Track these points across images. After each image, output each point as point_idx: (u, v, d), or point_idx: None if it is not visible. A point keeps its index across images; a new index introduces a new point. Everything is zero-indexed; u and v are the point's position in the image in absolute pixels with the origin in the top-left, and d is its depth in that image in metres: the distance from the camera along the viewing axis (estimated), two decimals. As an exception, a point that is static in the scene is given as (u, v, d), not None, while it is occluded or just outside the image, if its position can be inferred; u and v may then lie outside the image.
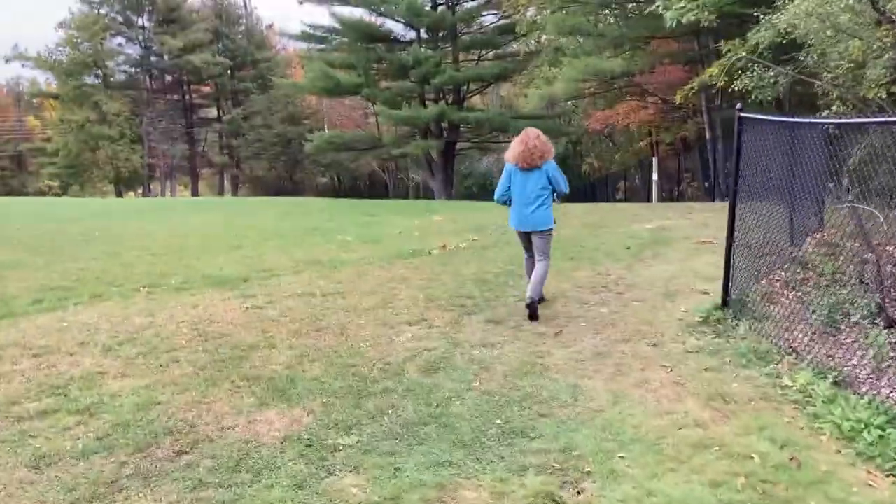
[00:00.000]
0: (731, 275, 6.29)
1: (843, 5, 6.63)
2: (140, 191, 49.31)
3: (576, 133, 37.56)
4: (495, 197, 7.21)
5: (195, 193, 51.05)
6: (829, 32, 6.87)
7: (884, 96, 7.11)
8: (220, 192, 52.72)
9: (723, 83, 17.87)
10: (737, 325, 6.12)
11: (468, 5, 34.08)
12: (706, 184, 24.66)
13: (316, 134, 34.24)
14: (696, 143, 26.95)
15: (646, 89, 24.93)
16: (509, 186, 7.01)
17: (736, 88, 9.94)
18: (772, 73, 9.77)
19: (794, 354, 5.46)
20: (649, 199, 24.60)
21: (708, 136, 22.99)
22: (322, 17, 43.51)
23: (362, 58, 32.77)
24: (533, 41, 30.05)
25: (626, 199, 33.37)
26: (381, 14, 33.47)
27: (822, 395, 4.67)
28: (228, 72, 50.87)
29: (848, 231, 8.22)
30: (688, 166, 30.11)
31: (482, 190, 51.86)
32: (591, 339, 6.07)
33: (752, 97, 10.94)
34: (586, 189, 40.05)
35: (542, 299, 7.01)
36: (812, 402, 4.68)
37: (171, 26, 47.48)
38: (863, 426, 4.26)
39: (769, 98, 10.74)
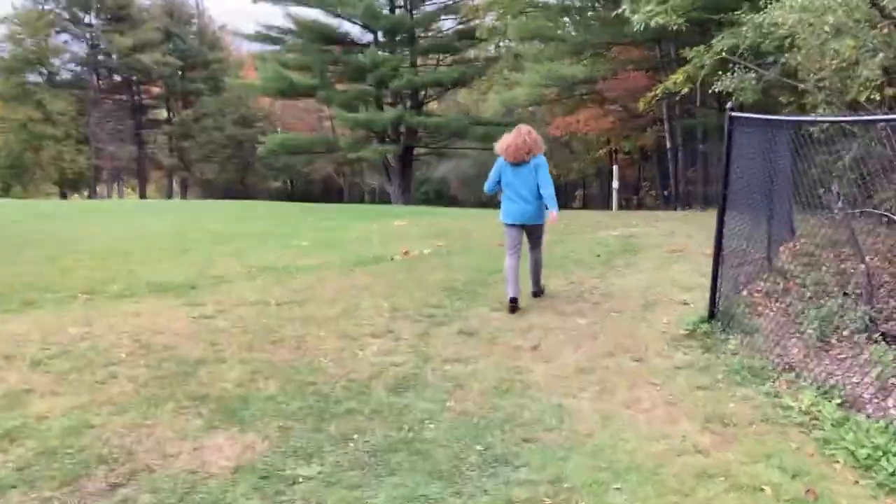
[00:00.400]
0: (718, 286, 5.88)
1: (839, 0, 6.34)
2: (86, 193, 47.78)
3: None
4: (485, 189, 7.39)
5: (143, 196, 49.70)
6: (826, 28, 6.58)
7: (877, 98, 6.84)
8: (169, 196, 51.41)
9: (687, 90, 17.77)
10: (726, 338, 5.72)
11: (427, 9, 33.74)
12: (665, 192, 24.54)
13: (269, 136, 33.46)
14: (654, 152, 26.85)
15: (606, 97, 24.72)
16: (498, 180, 7.08)
17: (715, 91, 9.62)
18: (753, 75, 9.47)
19: (790, 371, 5.07)
20: (608, 207, 24.39)
21: (668, 144, 22.88)
22: (277, 17, 42.68)
23: (318, 59, 32.23)
24: (493, 46, 29.80)
25: (583, 207, 33.20)
26: (337, 15, 32.95)
27: (830, 418, 4.27)
28: (179, 72, 49.63)
29: (821, 241, 7.95)
30: (645, 175, 30.05)
31: (439, 196, 51.57)
32: (571, 354, 5.62)
33: (734, 99, 10.68)
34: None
35: (542, 291, 7.40)
36: (819, 425, 4.28)
37: (119, 24, 46.12)
38: (881, 454, 3.86)
39: (749, 101, 10.48)
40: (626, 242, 11.07)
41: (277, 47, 35.90)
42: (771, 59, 10.33)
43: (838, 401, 4.47)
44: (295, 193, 66.34)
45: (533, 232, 7.16)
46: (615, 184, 22.74)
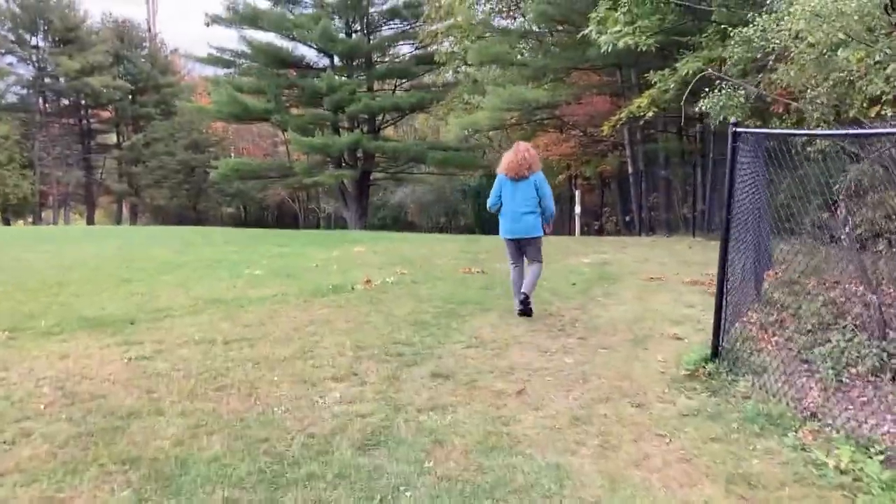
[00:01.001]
0: (723, 320, 5.26)
1: (854, 5, 5.83)
2: (30, 219, 46.11)
3: (491, 166, 36.98)
4: (488, 205, 7.55)
5: (91, 222, 48.17)
6: (839, 35, 6.09)
7: (888, 113, 6.34)
8: (119, 222, 49.92)
9: (652, 114, 17.41)
10: (734, 380, 5.09)
11: (384, 34, 33.26)
12: (626, 218, 24.14)
13: (222, 161, 32.49)
14: (616, 178, 26.50)
15: (567, 122, 24.36)
16: (500, 196, 7.35)
17: (702, 108, 9.08)
18: (742, 92, 8.98)
19: (813, 419, 4.46)
20: (570, 233, 23.94)
21: (630, 169, 22.52)
22: (230, 40, 41.78)
23: (272, 83, 31.51)
24: (451, 71, 29.38)
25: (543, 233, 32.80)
26: (293, 39, 32.28)
27: (878, 480, 3.65)
28: (129, 96, 48.48)
29: (801, 269, 7.44)
30: (606, 200, 29.73)
31: (396, 221, 50.87)
32: (562, 400, 4.94)
33: (719, 119, 10.20)
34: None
35: (529, 303, 7.28)
36: (865, 488, 3.65)
37: (68, 47, 44.86)
38: (948, 525, 3.25)
39: (736, 119, 9.96)
40: (601, 270, 10.50)
41: (231, 70, 35.09)
42: (758, 76, 9.88)
43: (881, 457, 3.85)
44: (249, 219, 65.13)
45: (531, 245, 7.34)
46: (577, 209, 22.31)
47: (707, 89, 10.51)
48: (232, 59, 33.91)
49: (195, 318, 7.32)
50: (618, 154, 24.95)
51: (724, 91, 8.89)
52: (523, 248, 7.38)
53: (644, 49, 13.66)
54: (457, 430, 4.39)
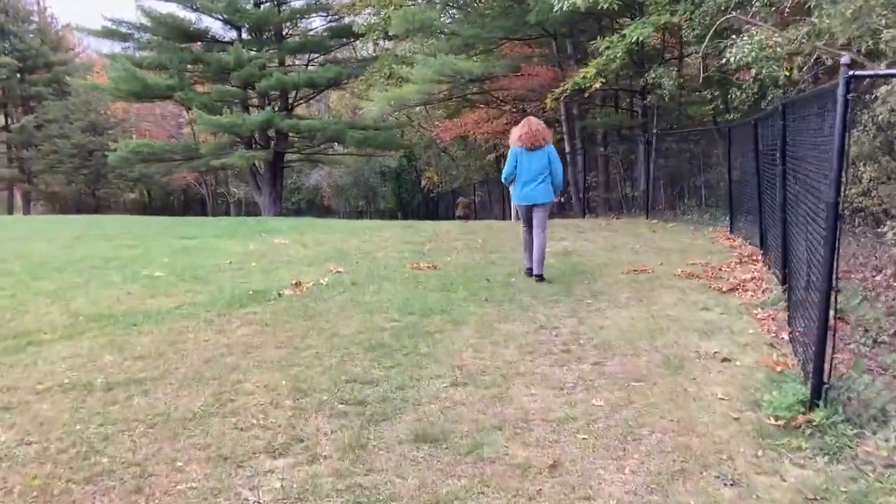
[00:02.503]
0: (827, 345, 3.69)
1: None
2: None
3: (413, 146, 35.18)
4: (504, 176, 8.02)
5: (-23, 212, 44.29)
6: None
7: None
8: (10, 211, 46.07)
9: (599, 85, 15.97)
10: (859, 433, 3.54)
11: (295, 5, 30.97)
12: (561, 199, 22.76)
13: (120, 142, 29.67)
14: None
15: (497, 97, 22.78)
16: (514, 166, 7.77)
17: (732, 59, 7.46)
18: (778, 39, 7.30)
19: None
20: (505, 217, 22.47)
21: (567, 147, 21.03)
22: (128, 11, 38.45)
23: (175, 57, 28.91)
24: (371, 43, 27.50)
25: (467, 218, 31.29)
26: (196, 9, 29.69)
27: None
28: (17, 75, 44.60)
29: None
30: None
31: (311, 205, 48.66)
32: (616, 476, 3.30)
33: (756, 78, 8.68)
34: (429, 204, 37.68)
35: (542, 277, 7.69)
36: None
37: (-57, 19, 40.85)
38: None
39: (782, 78, 8.38)
40: (570, 262, 8.94)
41: (129, 45, 32.18)
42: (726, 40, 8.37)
43: None
44: (153, 205, 61.80)
45: (542, 209, 7.80)
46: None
47: (722, 40, 8.90)
48: (129, 31, 30.96)
49: (70, 345, 5.39)
50: (552, 131, 23.54)
51: (755, 38, 7.28)
52: (534, 212, 7.82)
53: (606, 6, 12.17)
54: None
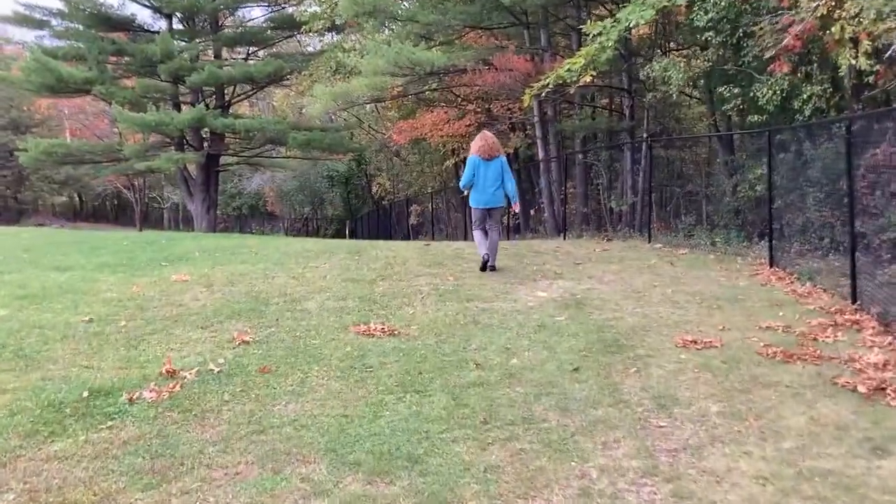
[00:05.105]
0: None
1: None
2: None
3: (363, 149, 32.25)
4: (463, 183, 8.97)
5: None
6: None
7: None
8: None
9: (589, 79, 13.33)
10: None
11: (233, -9, 27.80)
12: (531, 211, 20.00)
13: (31, 142, 26.20)
14: (524, 164, 22.30)
15: (461, 95, 20.01)
16: (474, 174, 8.69)
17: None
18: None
19: None
20: (467, 232, 19.65)
21: (541, 154, 18.18)
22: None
23: (93, 47, 25.49)
24: (315, 35, 24.54)
25: (414, 236, 28.38)
26: (120, -6, 26.34)
27: None
28: (-73, 67, 40.68)
29: None
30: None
31: (254, 211, 45.32)
32: None
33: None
34: (380, 212, 34.65)
35: (494, 267, 8.70)
36: None
37: None
38: None
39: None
40: (590, 322, 6.17)
41: (44, 33, 28.67)
42: None
43: None
44: (84, 210, 57.77)
45: (496, 212, 8.90)
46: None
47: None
48: (45, 18, 27.53)
49: None
50: (523, 136, 20.81)
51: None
52: (490, 214, 8.78)
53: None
54: None
